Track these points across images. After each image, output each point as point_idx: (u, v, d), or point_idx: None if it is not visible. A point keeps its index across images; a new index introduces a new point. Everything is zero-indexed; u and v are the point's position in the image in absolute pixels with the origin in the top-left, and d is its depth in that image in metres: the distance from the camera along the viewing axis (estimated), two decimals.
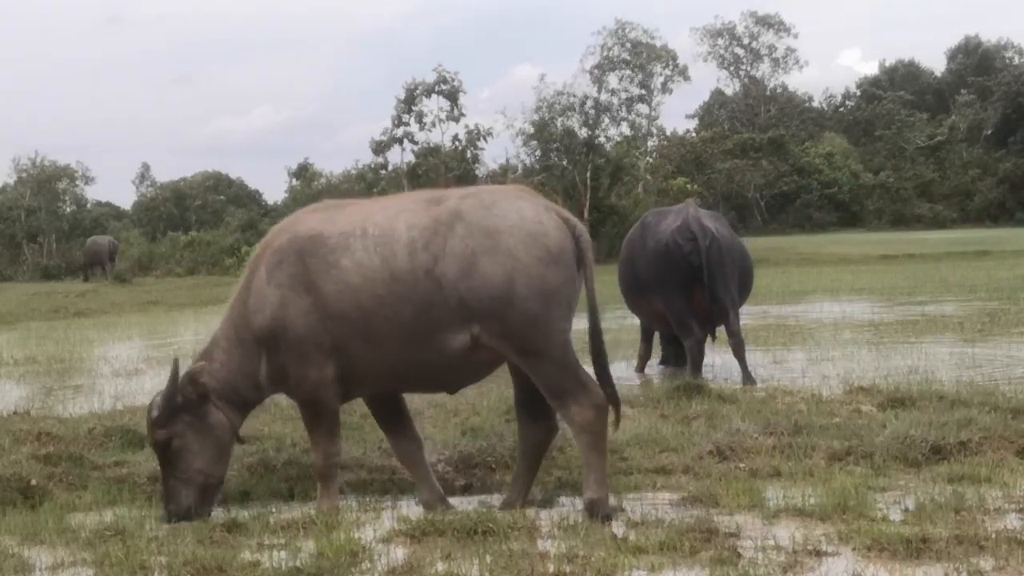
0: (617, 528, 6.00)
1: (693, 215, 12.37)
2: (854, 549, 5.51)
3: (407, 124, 53.80)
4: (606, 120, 56.57)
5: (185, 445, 6.54)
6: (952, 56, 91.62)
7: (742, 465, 7.34)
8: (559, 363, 6.33)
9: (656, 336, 13.79)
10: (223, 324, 6.79)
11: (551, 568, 5.34)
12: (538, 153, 56.80)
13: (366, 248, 6.42)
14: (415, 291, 6.31)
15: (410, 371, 6.58)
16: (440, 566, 5.44)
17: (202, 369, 6.60)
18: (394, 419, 6.97)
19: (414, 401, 10.06)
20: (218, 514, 6.57)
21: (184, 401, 6.55)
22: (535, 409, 6.61)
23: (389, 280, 6.34)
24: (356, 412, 9.26)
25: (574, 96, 55.12)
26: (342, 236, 6.49)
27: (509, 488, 6.79)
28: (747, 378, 11.81)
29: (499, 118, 61.30)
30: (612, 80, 57.19)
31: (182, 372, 6.63)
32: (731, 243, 12.51)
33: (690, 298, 12.12)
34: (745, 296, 13.03)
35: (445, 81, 53.08)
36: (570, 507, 6.53)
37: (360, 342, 6.42)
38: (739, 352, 12.15)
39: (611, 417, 6.47)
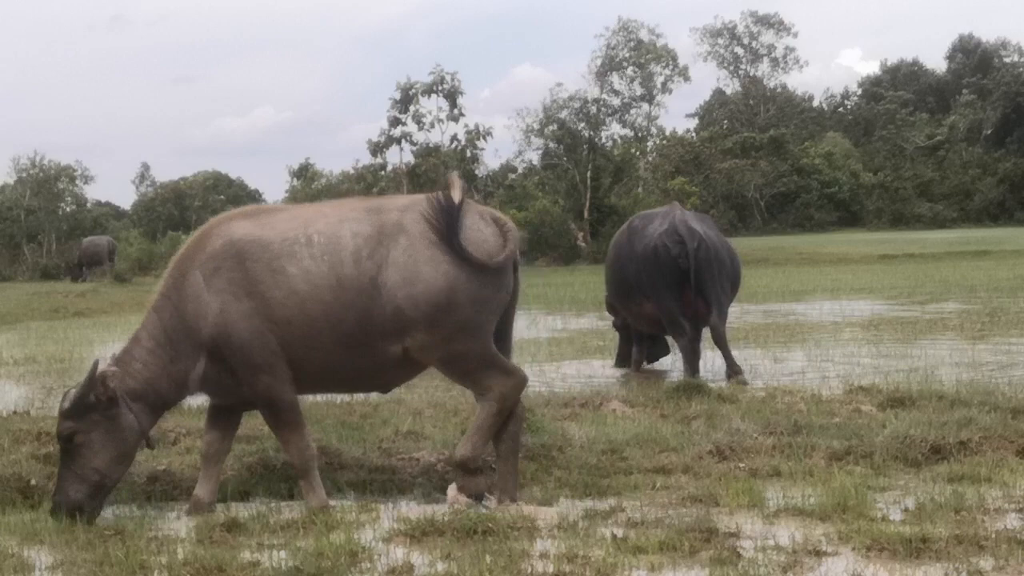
0: (617, 528, 6.00)
1: (680, 218, 12.45)
2: (854, 549, 5.51)
3: (404, 124, 53.76)
4: (609, 120, 56.66)
5: (88, 442, 6.52)
6: (951, 56, 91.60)
7: (742, 465, 7.35)
8: (482, 362, 6.56)
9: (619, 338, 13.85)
10: (146, 324, 6.76)
11: (551, 568, 5.34)
12: (541, 152, 56.90)
13: (313, 256, 6.49)
14: (359, 298, 6.43)
15: (348, 375, 6.73)
16: (440, 566, 5.44)
17: (113, 373, 6.57)
18: (225, 418, 6.99)
19: (415, 401, 10.07)
20: (218, 514, 6.57)
21: (96, 399, 6.55)
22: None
23: (336, 287, 6.44)
24: (356, 412, 9.27)
25: (580, 100, 55.27)
26: (286, 242, 6.54)
27: (497, 488, 6.80)
28: (732, 368, 11.94)
29: (505, 118, 61.53)
30: (615, 80, 57.27)
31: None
32: (718, 244, 12.59)
33: (680, 299, 12.20)
34: (733, 295, 13.07)
35: (443, 81, 53.05)
36: (570, 507, 6.53)
37: (302, 347, 6.52)
38: (722, 344, 12.22)
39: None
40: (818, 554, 5.47)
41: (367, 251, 6.46)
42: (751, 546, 5.59)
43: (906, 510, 6.16)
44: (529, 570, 5.31)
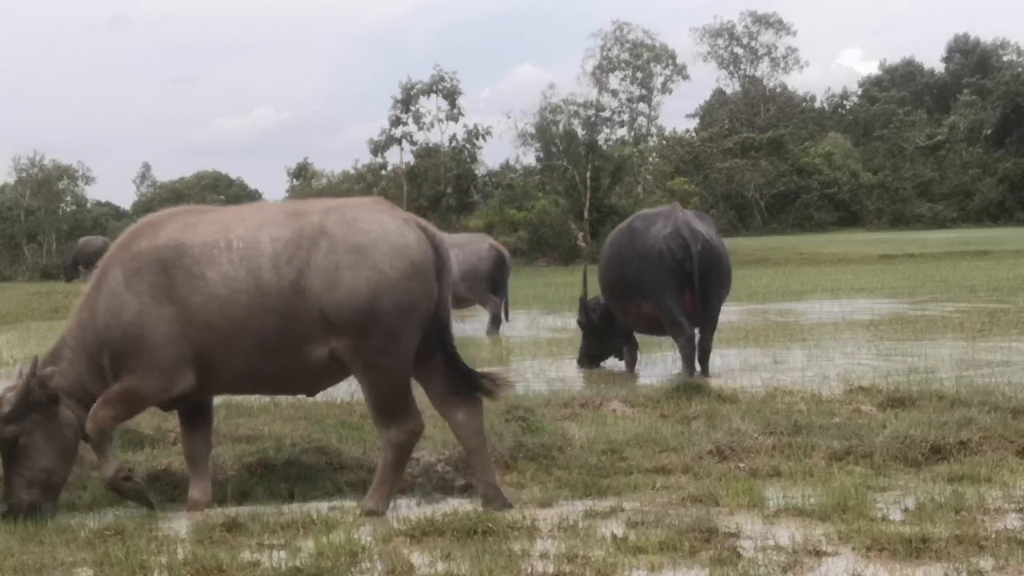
0: (617, 528, 6.00)
1: (683, 220, 12.48)
2: (854, 549, 5.51)
3: (405, 124, 53.78)
4: (606, 122, 56.65)
5: (32, 443, 6.57)
6: (949, 56, 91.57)
7: (742, 465, 7.35)
8: (397, 381, 6.54)
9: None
10: (72, 325, 6.84)
11: (551, 568, 5.34)
12: (540, 154, 56.88)
13: (231, 261, 6.51)
14: (280, 303, 6.44)
15: (271, 378, 6.77)
16: (440, 566, 5.44)
17: (51, 373, 6.63)
18: (197, 418, 7.03)
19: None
20: (218, 514, 6.57)
21: (36, 400, 6.58)
22: (455, 390, 6.70)
23: (255, 292, 6.46)
24: (356, 412, 9.26)
25: (575, 104, 55.26)
26: (205, 247, 6.56)
27: (475, 483, 6.82)
28: (703, 372, 12.17)
29: (502, 119, 61.64)
30: (612, 81, 57.31)
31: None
32: (719, 245, 12.69)
33: (679, 300, 12.25)
34: (725, 295, 13.12)
35: (443, 80, 53.07)
36: (570, 507, 6.53)
37: (223, 351, 6.55)
38: (704, 355, 12.45)
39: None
40: (818, 554, 5.47)
41: (286, 256, 6.46)
42: (751, 546, 5.59)
43: (906, 510, 6.16)
44: (529, 570, 5.31)
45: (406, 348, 6.53)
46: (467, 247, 20.27)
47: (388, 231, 6.51)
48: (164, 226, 6.77)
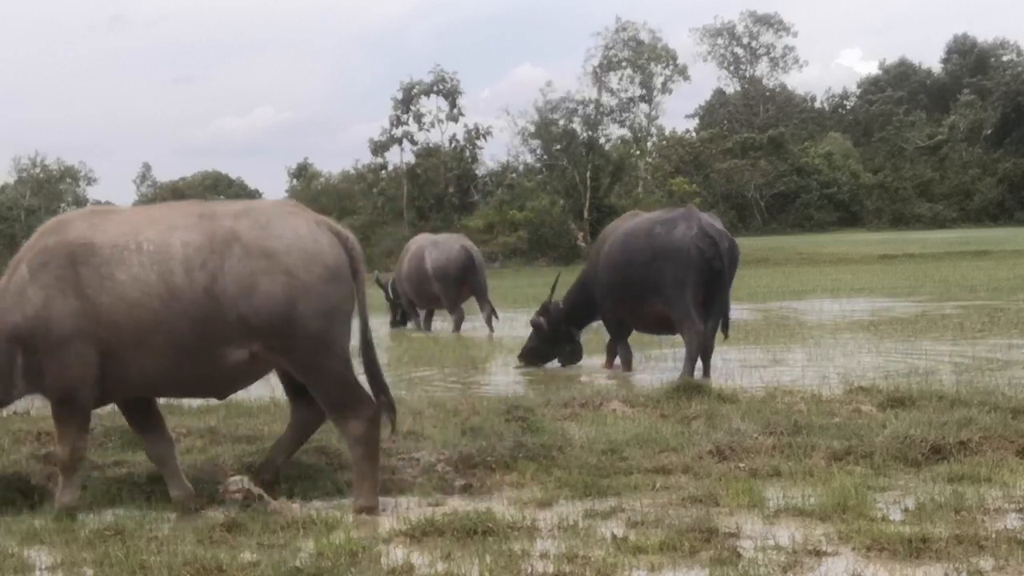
0: (617, 528, 6.00)
1: (707, 220, 12.75)
2: (854, 549, 5.51)
3: (405, 124, 53.82)
4: (606, 121, 56.67)
5: None
6: (947, 57, 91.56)
7: (742, 465, 7.34)
8: (339, 378, 6.57)
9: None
10: None
11: (551, 568, 5.34)
12: (539, 152, 56.89)
13: (142, 264, 6.49)
14: (193, 307, 6.44)
15: (183, 380, 6.76)
16: (440, 566, 5.44)
17: None
18: (146, 421, 7.04)
19: (415, 401, 10.07)
20: (218, 514, 6.57)
21: None
22: (309, 395, 6.80)
23: (166, 296, 6.45)
24: None
25: (574, 102, 55.27)
26: (115, 248, 6.54)
27: (268, 453, 6.98)
28: (705, 374, 12.31)
29: (502, 116, 61.68)
30: (613, 80, 57.29)
31: None
32: (736, 246, 13.03)
33: (694, 298, 12.40)
34: None
35: (443, 81, 53.09)
36: (570, 507, 6.52)
37: (133, 352, 6.53)
38: (707, 354, 12.57)
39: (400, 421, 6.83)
40: (818, 554, 5.47)
41: (199, 260, 6.45)
42: (751, 546, 5.59)
43: (906, 510, 6.16)
44: (529, 570, 5.31)
45: (339, 347, 6.60)
46: (440, 246, 20.30)
47: (301, 236, 6.54)
48: (74, 224, 6.74)
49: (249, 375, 6.81)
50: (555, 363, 14.45)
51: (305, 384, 6.70)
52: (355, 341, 6.80)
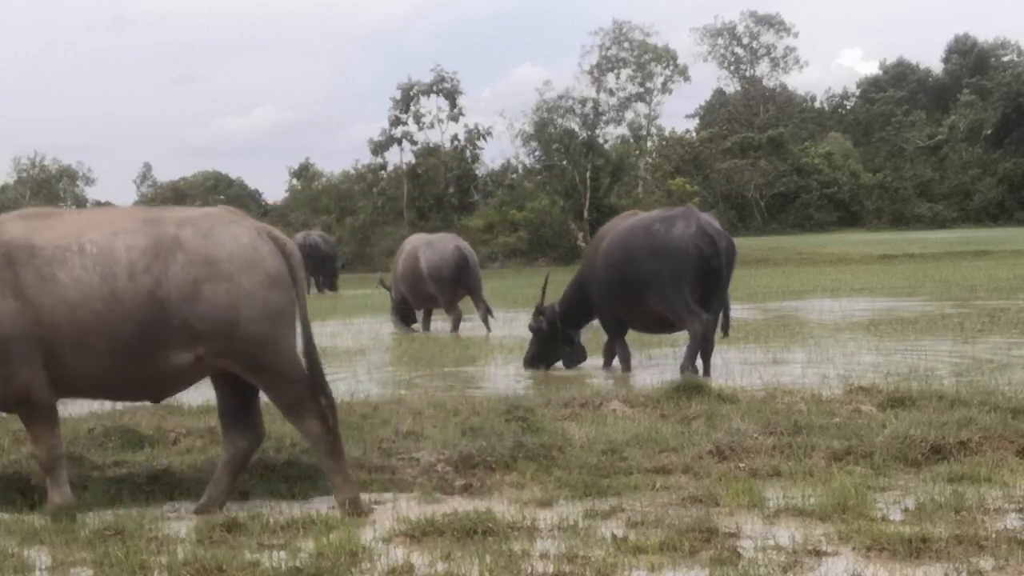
0: (617, 528, 6.00)
1: (706, 219, 12.83)
2: (854, 549, 5.51)
3: (405, 124, 53.79)
4: (604, 120, 56.67)
5: None
6: (947, 57, 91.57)
7: (742, 465, 7.34)
8: (290, 379, 6.65)
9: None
10: None
11: (551, 568, 5.34)
12: (538, 153, 56.88)
13: (84, 266, 6.51)
14: (137, 311, 6.47)
15: (124, 383, 6.78)
16: (440, 566, 5.44)
17: None
18: None
19: (415, 401, 10.07)
20: (218, 514, 6.57)
21: None
22: (243, 417, 6.88)
23: (109, 299, 6.47)
24: (356, 412, 9.26)
25: (572, 99, 55.25)
26: (57, 250, 6.54)
27: (208, 490, 6.87)
28: (705, 372, 12.34)
29: (499, 119, 61.69)
30: (610, 80, 57.29)
31: None
32: (733, 244, 13.08)
33: (691, 296, 12.47)
34: None
35: (443, 80, 53.08)
36: (570, 507, 6.53)
37: (73, 353, 6.54)
38: (707, 353, 12.61)
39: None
40: (818, 554, 5.47)
41: (143, 265, 6.49)
42: (751, 546, 5.59)
43: (906, 510, 6.16)
44: (529, 570, 5.32)
45: (286, 350, 6.66)
46: (435, 246, 20.29)
47: (242, 244, 6.62)
48: (13, 225, 6.74)
49: (189, 378, 6.88)
50: (557, 364, 14.45)
51: (257, 386, 6.80)
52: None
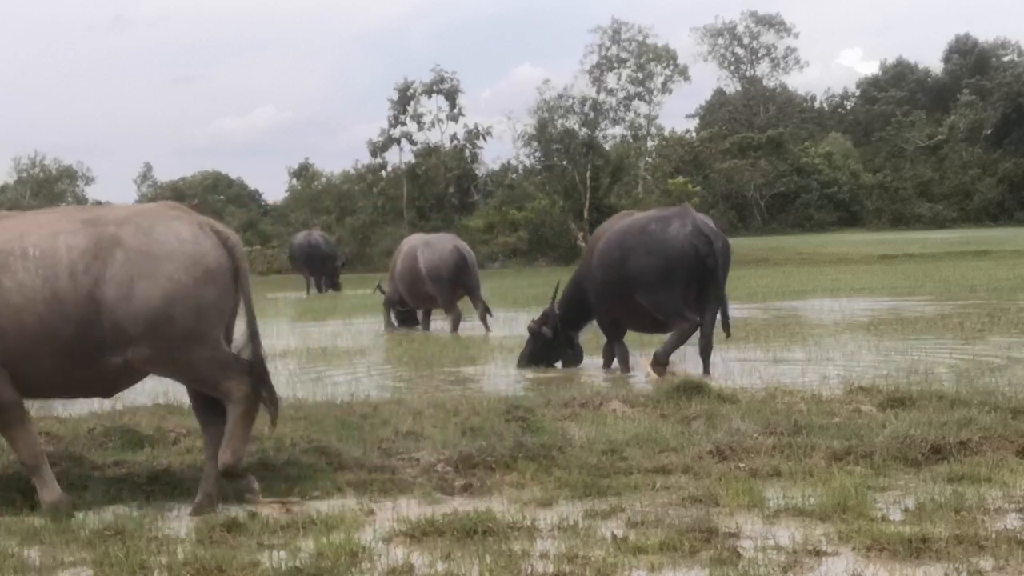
0: (617, 528, 6.00)
1: (702, 220, 12.90)
2: (854, 549, 5.51)
3: (404, 124, 53.75)
4: (604, 120, 56.67)
5: None
6: (947, 57, 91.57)
7: (742, 465, 7.34)
8: (213, 363, 6.69)
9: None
10: None
11: (551, 568, 5.34)
12: (538, 154, 56.88)
13: (27, 269, 6.54)
14: (77, 312, 6.50)
15: (69, 383, 6.82)
16: (440, 566, 5.44)
17: None
18: None
19: (415, 401, 10.08)
20: (218, 514, 6.57)
21: None
22: (221, 409, 6.84)
23: (51, 301, 6.50)
24: (356, 412, 9.27)
25: (572, 98, 55.25)
26: (1, 254, 6.57)
27: (200, 488, 6.84)
28: (705, 372, 12.38)
29: (501, 119, 61.77)
30: (611, 80, 57.28)
31: None
32: (729, 246, 13.14)
33: (685, 295, 12.59)
34: None
35: (443, 80, 53.06)
36: (570, 507, 6.53)
37: (18, 356, 6.56)
38: (707, 350, 12.66)
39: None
40: (818, 554, 5.47)
41: (83, 265, 6.52)
42: (751, 546, 5.59)
43: (906, 510, 6.16)
44: (529, 570, 5.32)
45: (209, 339, 6.68)
46: (433, 246, 20.27)
47: (183, 240, 6.64)
48: None
49: (133, 376, 6.92)
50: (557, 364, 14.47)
51: (182, 382, 6.86)
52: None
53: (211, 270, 6.66)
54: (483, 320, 19.43)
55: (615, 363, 13.82)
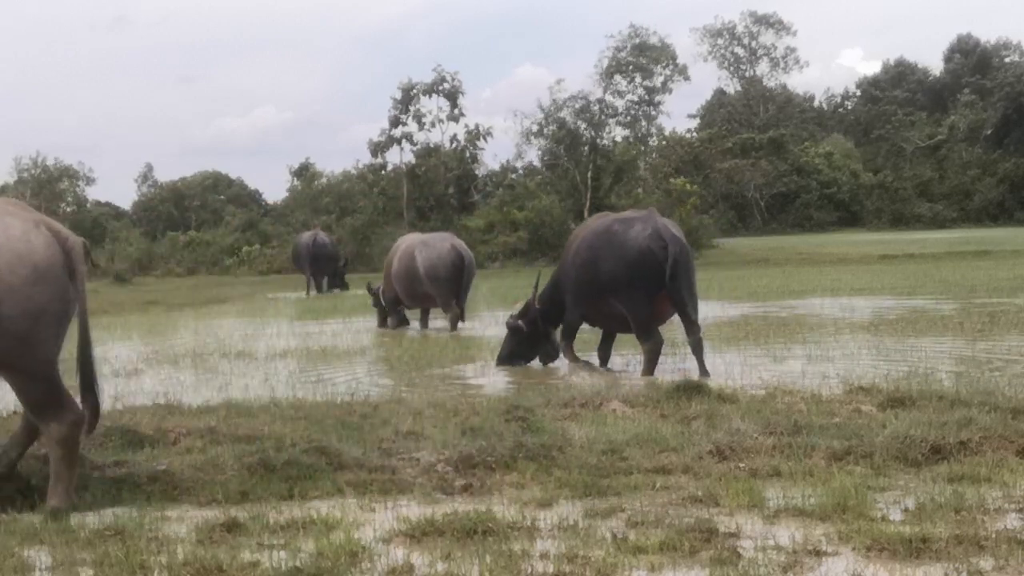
0: (617, 528, 6.00)
1: (662, 223, 13.07)
2: (854, 549, 5.51)
3: (405, 124, 53.75)
4: (611, 122, 56.76)
5: None
6: (948, 56, 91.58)
7: (742, 465, 7.34)
8: (43, 380, 6.58)
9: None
10: None
11: (551, 568, 5.34)
12: (541, 153, 56.95)
13: None
14: None
15: None
16: (440, 566, 5.44)
17: None
18: None
19: (415, 401, 10.08)
20: (218, 514, 6.56)
21: None
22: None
23: None
24: (356, 412, 9.27)
25: (584, 99, 55.35)
26: None
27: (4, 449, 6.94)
28: (703, 373, 12.40)
29: (503, 119, 61.90)
30: (621, 83, 57.30)
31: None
32: (690, 251, 13.36)
33: (654, 302, 12.78)
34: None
35: (444, 81, 53.05)
36: (570, 507, 6.53)
37: None
38: (698, 351, 12.73)
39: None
40: (818, 554, 5.47)
41: None
42: (751, 546, 5.59)
43: (906, 510, 6.16)
44: (529, 570, 5.31)
45: (46, 350, 6.59)
46: (431, 245, 20.29)
47: (12, 236, 6.48)
48: None
49: None
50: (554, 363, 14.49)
51: (9, 385, 6.73)
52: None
53: (40, 269, 6.46)
54: (453, 322, 19.56)
55: (612, 363, 13.88)
